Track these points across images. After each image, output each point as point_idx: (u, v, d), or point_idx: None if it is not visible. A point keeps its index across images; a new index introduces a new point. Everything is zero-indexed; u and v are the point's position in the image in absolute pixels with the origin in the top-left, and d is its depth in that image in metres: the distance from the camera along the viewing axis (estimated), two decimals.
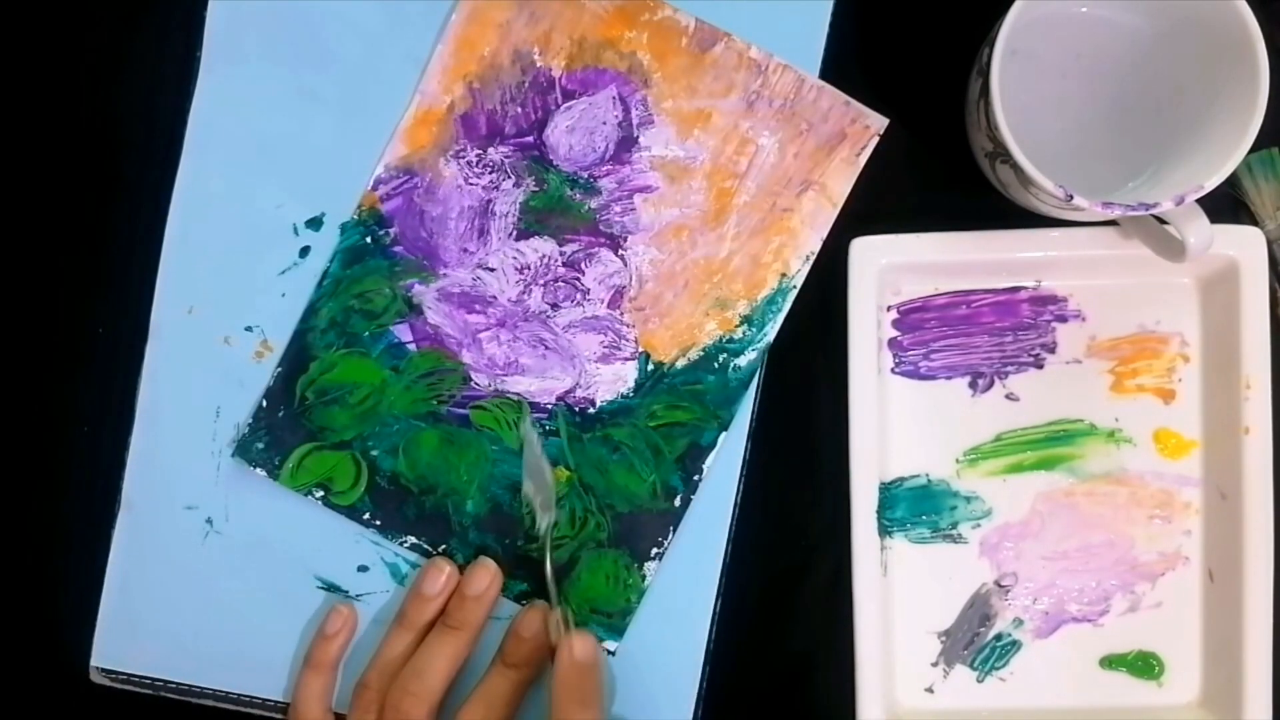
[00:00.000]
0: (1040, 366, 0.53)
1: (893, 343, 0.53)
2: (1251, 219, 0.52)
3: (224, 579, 0.52)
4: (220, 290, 0.52)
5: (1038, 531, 0.52)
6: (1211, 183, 0.45)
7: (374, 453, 0.51)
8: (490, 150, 0.51)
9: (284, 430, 0.51)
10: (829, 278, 0.51)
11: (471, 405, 0.51)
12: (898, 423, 0.52)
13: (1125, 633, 0.52)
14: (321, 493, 0.51)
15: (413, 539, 0.51)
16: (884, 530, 0.52)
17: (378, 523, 0.51)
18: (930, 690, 0.52)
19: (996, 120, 0.45)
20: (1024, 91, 0.48)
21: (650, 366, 0.51)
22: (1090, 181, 0.48)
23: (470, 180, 0.51)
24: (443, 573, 0.50)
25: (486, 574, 0.50)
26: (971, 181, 0.51)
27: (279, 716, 0.52)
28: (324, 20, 0.52)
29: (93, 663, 0.52)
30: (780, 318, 0.51)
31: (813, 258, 0.51)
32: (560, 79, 0.51)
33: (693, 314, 0.51)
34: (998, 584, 0.53)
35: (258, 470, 0.51)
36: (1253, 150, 0.45)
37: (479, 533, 0.51)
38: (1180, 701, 0.52)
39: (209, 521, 0.52)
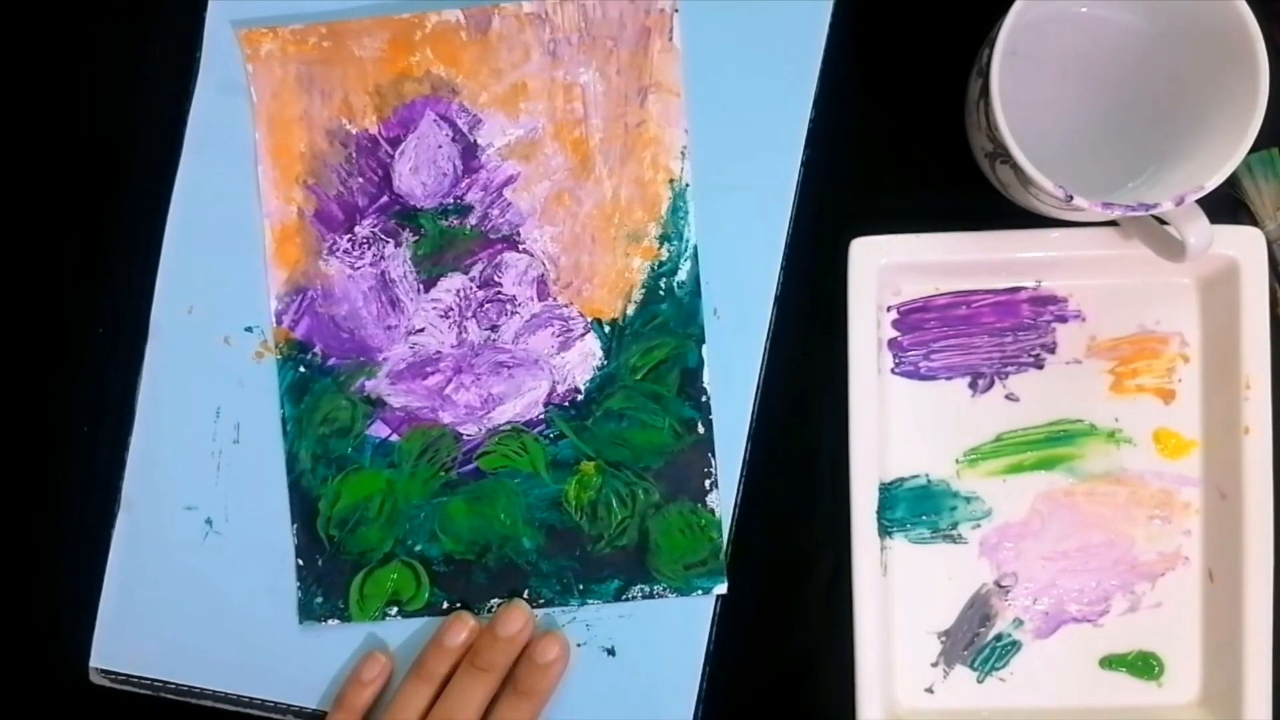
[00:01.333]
0: (1040, 367, 0.53)
1: (893, 343, 0.53)
2: (1251, 219, 0.52)
3: (223, 579, 0.52)
4: (220, 290, 0.52)
5: (1038, 531, 0.52)
6: (1211, 183, 0.45)
7: (417, 548, 0.51)
8: (356, 229, 0.51)
9: (331, 575, 0.52)
10: (829, 278, 0.51)
11: (476, 456, 0.52)
12: (898, 423, 0.52)
13: (1125, 633, 0.52)
14: (395, 609, 0.52)
15: (495, 600, 0.51)
16: (884, 530, 0.52)
17: (458, 605, 0.51)
18: (930, 690, 0.52)
19: (996, 120, 0.45)
20: (1024, 92, 0.48)
21: (607, 329, 0.51)
22: (1090, 182, 0.48)
23: (355, 266, 0.51)
24: (466, 625, 0.50)
25: (521, 616, 0.50)
26: (971, 182, 0.51)
27: (278, 717, 0.52)
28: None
29: (92, 663, 0.52)
30: (691, 219, 0.51)
31: (688, 150, 0.51)
32: (380, 132, 0.51)
33: (615, 261, 0.51)
34: (998, 584, 0.53)
35: (331, 622, 0.51)
36: (1253, 150, 0.45)
37: (549, 560, 0.51)
38: (1180, 701, 0.52)
39: (209, 522, 0.52)
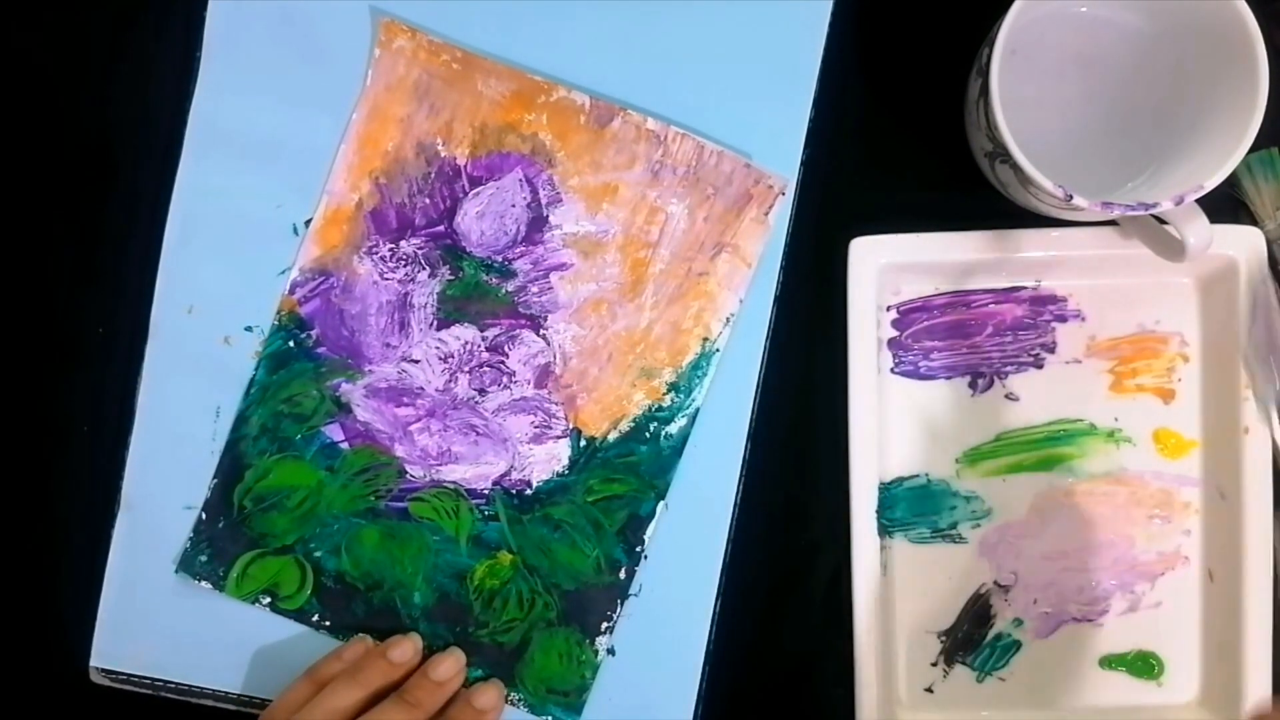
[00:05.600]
0: (1040, 366, 0.53)
1: (892, 342, 0.53)
2: (1251, 219, 0.52)
3: None
4: (220, 290, 0.52)
5: (1037, 531, 0.53)
6: (1211, 183, 0.45)
7: (317, 554, 0.51)
8: (402, 243, 0.51)
9: (225, 541, 0.51)
10: (829, 277, 0.51)
11: (409, 498, 0.51)
12: (897, 423, 0.52)
13: (1125, 632, 0.52)
14: (269, 599, 0.51)
15: (361, 635, 0.51)
16: (884, 530, 0.52)
17: (327, 624, 0.51)
18: (930, 690, 0.52)
19: (996, 120, 0.45)
20: (1023, 91, 0.48)
21: (583, 443, 0.51)
22: (1090, 181, 0.48)
23: (385, 275, 0.51)
24: (416, 646, 0.50)
25: (456, 664, 0.50)
26: (971, 181, 0.51)
27: None
28: (323, 19, 0.52)
29: (92, 663, 0.52)
30: (707, 382, 0.51)
31: (733, 319, 0.51)
32: (465, 166, 0.51)
33: (620, 386, 0.51)
34: (997, 584, 0.53)
35: (203, 583, 0.51)
36: (1252, 150, 0.45)
37: (429, 623, 0.51)
38: (1179, 701, 0.52)
39: None
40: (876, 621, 0.51)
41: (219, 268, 0.52)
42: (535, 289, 0.51)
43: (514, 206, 0.51)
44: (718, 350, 0.51)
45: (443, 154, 0.51)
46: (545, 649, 0.51)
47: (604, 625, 0.51)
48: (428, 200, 0.51)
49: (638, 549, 0.51)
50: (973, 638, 0.52)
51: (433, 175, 0.51)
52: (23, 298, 0.54)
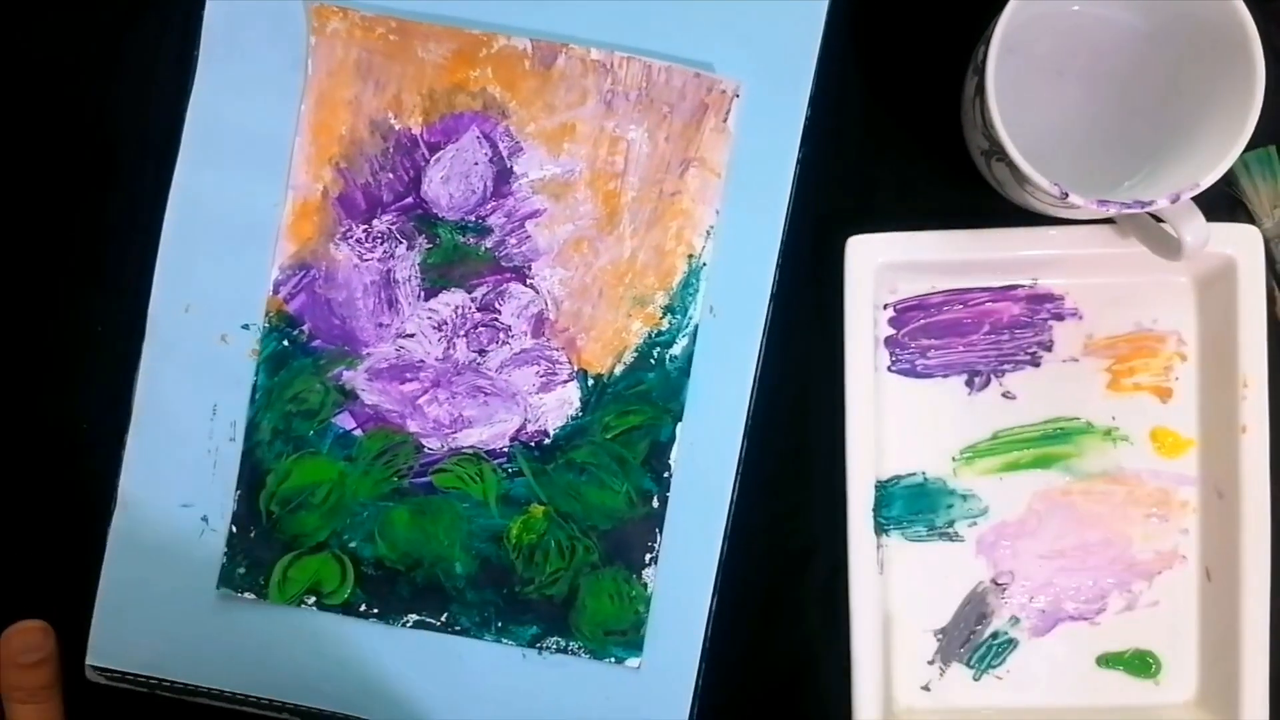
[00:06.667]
0: (1037, 365, 0.53)
1: (889, 341, 0.53)
2: (1249, 217, 0.52)
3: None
4: (217, 288, 0.52)
5: (1034, 530, 0.52)
6: (1207, 181, 0.45)
7: (352, 544, 0.51)
8: (375, 222, 0.51)
9: (260, 549, 0.51)
10: (825, 276, 0.51)
11: (431, 471, 0.51)
12: (894, 421, 0.52)
13: (1122, 631, 0.52)
14: (313, 599, 0.51)
15: (414, 616, 0.51)
16: (880, 528, 0.52)
17: (375, 611, 0.51)
18: (927, 688, 0.52)
19: (992, 118, 0.45)
20: (1019, 89, 0.49)
21: (590, 382, 0.51)
22: (1086, 179, 0.48)
23: (364, 257, 0.51)
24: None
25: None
26: (968, 180, 0.51)
27: (275, 715, 0.52)
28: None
29: (88, 661, 0.52)
30: (700, 297, 0.51)
31: (713, 231, 0.51)
32: (421, 135, 0.51)
33: (615, 319, 0.51)
34: (994, 582, 0.53)
35: (246, 595, 0.51)
36: (1250, 148, 0.45)
37: (476, 590, 0.51)
38: (1177, 700, 0.52)
39: (205, 519, 0.52)
40: (873, 620, 0.51)
41: (216, 266, 0.52)
42: (514, 240, 0.51)
43: (476, 164, 0.51)
44: (704, 264, 0.51)
45: (396, 127, 0.51)
46: (594, 593, 0.51)
47: (647, 557, 0.51)
48: (391, 175, 0.51)
49: (665, 475, 0.51)
50: (969, 636, 0.52)
51: (391, 150, 0.51)
52: (20, 296, 0.54)
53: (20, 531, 0.53)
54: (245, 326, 0.52)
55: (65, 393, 0.53)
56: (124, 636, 0.52)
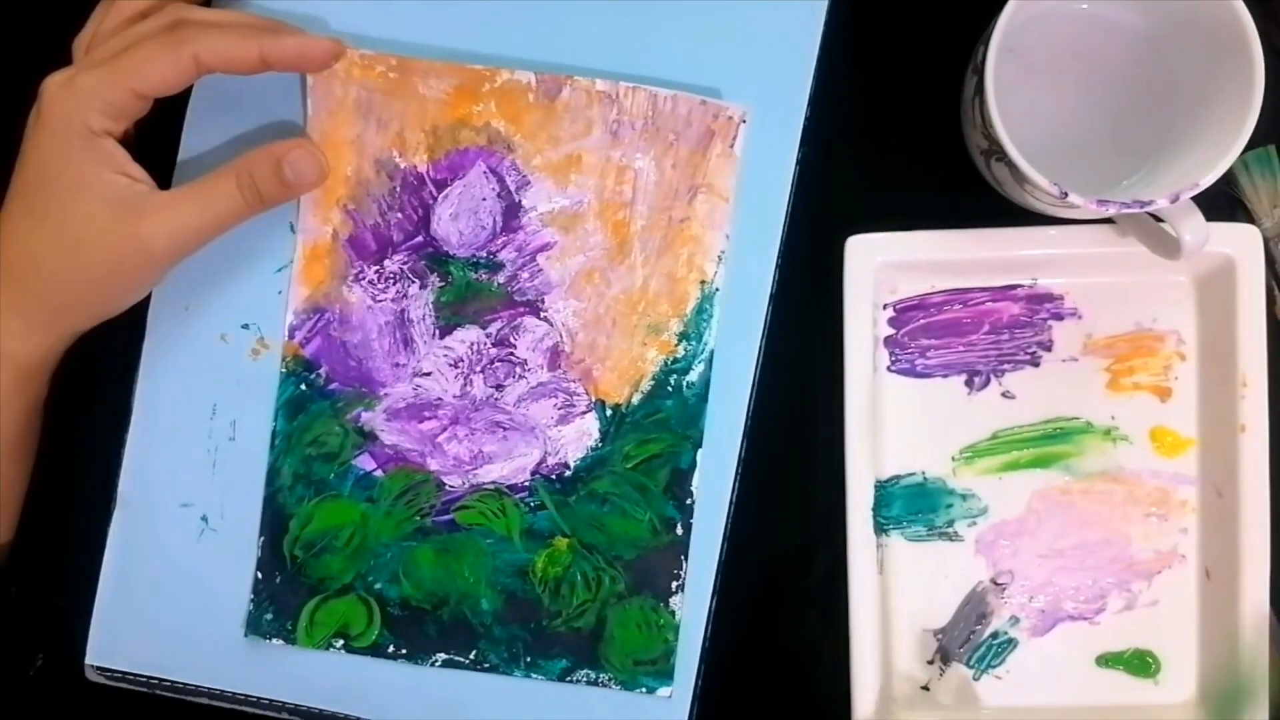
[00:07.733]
0: (1036, 364, 0.53)
1: (889, 340, 0.53)
2: (1248, 216, 0.52)
3: (219, 576, 0.52)
4: (216, 288, 0.52)
5: (1034, 529, 0.52)
6: (1207, 180, 0.45)
7: (377, 586, 0.51)
8: (386, 262, 0.51)
9: (286, 595, 0.51)
10: (825, 275, 0.51)
11: (454, 509, 0.51)
12: (894, 420, 0.52)
13: (1121, 631, 0.52)
14: (341, 641, 0.51)
15: (442, 655, 0.51)
16: (880, 528, 0.52)
17: (404, 652, 0.51)
18: (926, 688, 0.52)
19: (991, 118, 0.45)
20: (1019, 89, 0.49)
21: (609, 412, 0.51)
22: (1086, 179, 0.48)
23: (377, 298, 0.51)
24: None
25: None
26: (967, 179, 0.51)
27: (274, 715, 0.52)
28: (322, 19, 0.52)
29: (88, 661, 0.52)
30: (714, 323, 0.51)
31: (725, 256, 0.51)
32: (428, 172, 0.51)
33: (631, 348, 0.51)
34: (994, 582, 0.53)
35: (274, 641, 0.51)
36: (1249, 148, 0.45)
37: (503, 626, 0.51)
38: (1176, 700, 0.52)
39: (204, 519, 0.52)
40: (873, 620, 0.51)
41: (215, 265, 0.52)
42: (525, 275, 0.51)
43: (485, 200, 0.51)
44: (717, 289, 0.51)
45: (402, 165, 0.51)
46: (622, 623, 0.51)
47: (674, 585, 0.51)
48: (400, 215, 0.51)
49: (688, 502, 0.51)
50: (969, 636, 0.52)
51: (398, 189, 0.51)
52: None
53: (20, 531, 0.53)
54: (245, 326, 0.52)
55: (63, 392, 0.53)
56: (124, 636, 0.52)
